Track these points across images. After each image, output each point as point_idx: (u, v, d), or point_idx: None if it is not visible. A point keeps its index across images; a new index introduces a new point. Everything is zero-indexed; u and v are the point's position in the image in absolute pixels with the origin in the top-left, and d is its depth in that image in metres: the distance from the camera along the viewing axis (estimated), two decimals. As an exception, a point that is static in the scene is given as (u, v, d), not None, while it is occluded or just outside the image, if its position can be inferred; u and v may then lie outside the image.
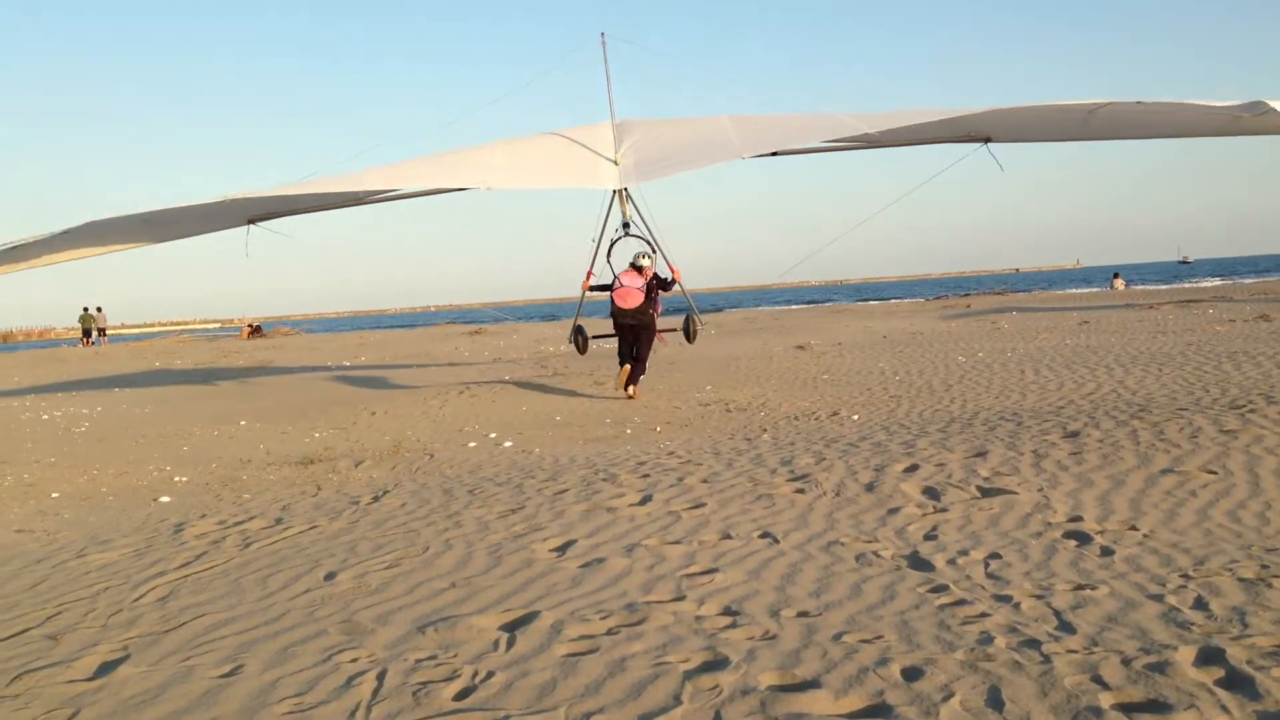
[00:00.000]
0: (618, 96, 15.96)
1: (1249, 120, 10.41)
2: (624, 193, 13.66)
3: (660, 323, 13.84)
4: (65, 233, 12.27)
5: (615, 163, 12.51)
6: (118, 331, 72.61)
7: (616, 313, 13.31)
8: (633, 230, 13.97)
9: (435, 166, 13.75)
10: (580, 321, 14.87)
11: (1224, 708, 3.21)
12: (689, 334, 14.43)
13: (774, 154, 14.26)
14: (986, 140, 13.44)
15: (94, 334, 44.71)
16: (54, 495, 8.43)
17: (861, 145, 14.30)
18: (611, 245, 14.22)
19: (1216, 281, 53.94)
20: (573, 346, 14.91)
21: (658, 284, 13.42)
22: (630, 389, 13.15)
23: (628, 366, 13.18)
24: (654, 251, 13.65)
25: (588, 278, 14.11)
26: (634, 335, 13.28)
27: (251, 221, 14.71)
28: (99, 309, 45.57)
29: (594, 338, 15.13)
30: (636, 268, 13.33)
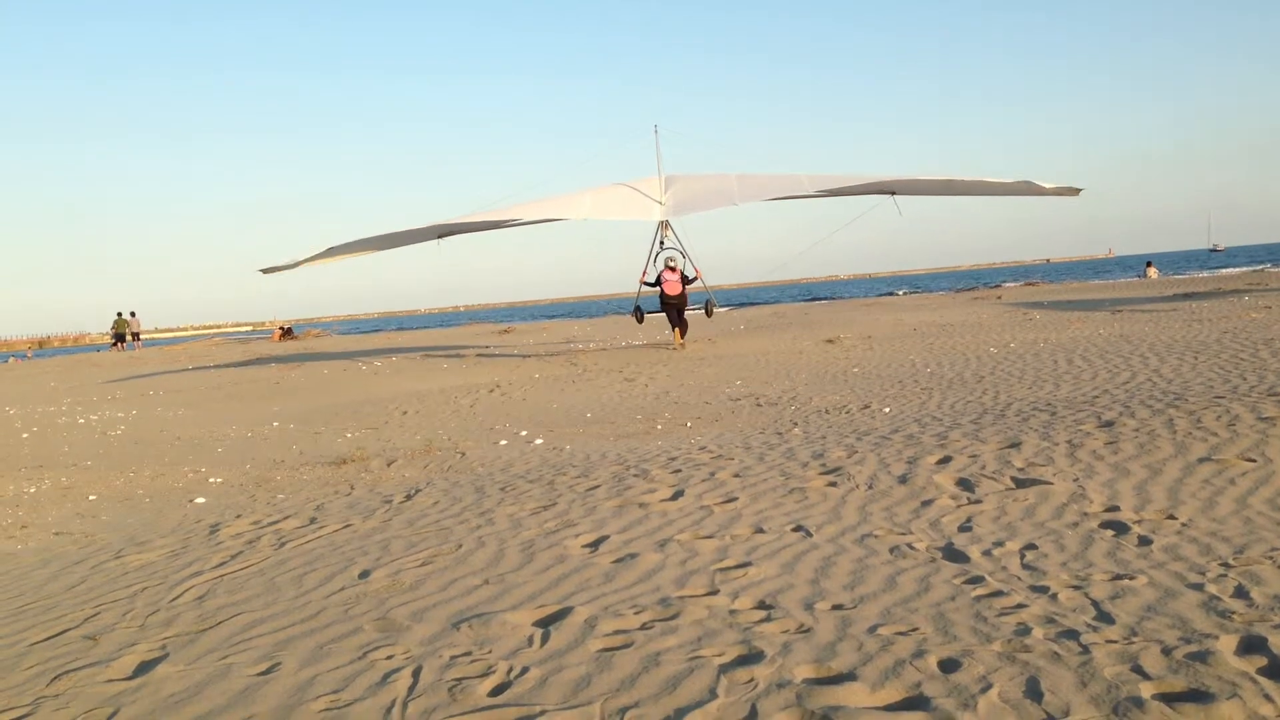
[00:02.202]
0: (664, 158, 24.05)
1: (1023, 187, 18.27)
2: (666, 223, 20.70)
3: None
4: (346, 244, 20.51)
5: (661, 204, 20.22)
6: (151, 336, 73.32)
7: (665, 298, 20.39)
8: (668, 246, 20.92)
9: (552, 203, 21.48)
10: (639, 303, 21.88)
11: (1267, 696, 3.16)
12: (708, 311, 23.08)
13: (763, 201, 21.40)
14: (892, 193, 20.04)
15: (127, 338, 45.03)
16: (91, 498, 8.53)
17: (816, 195, 20.81)
18: (656, 256, 20.91)
19: (1248, 268, 53.23)
20: (634, 318, 22.42)
21: (683, 279, 20.41)
22: (680, 341, 20.50)
23: (678, 329, 20.60)
24: (683, 257, 20.70)
25: (643, 275, 20.92)
26: (677, 308, 20.50)
27: (440, 236, 21.68)
28: (133, 313, 45.76)
29: (648, 313, 21.83)
30: (670, 268, 20.32)
